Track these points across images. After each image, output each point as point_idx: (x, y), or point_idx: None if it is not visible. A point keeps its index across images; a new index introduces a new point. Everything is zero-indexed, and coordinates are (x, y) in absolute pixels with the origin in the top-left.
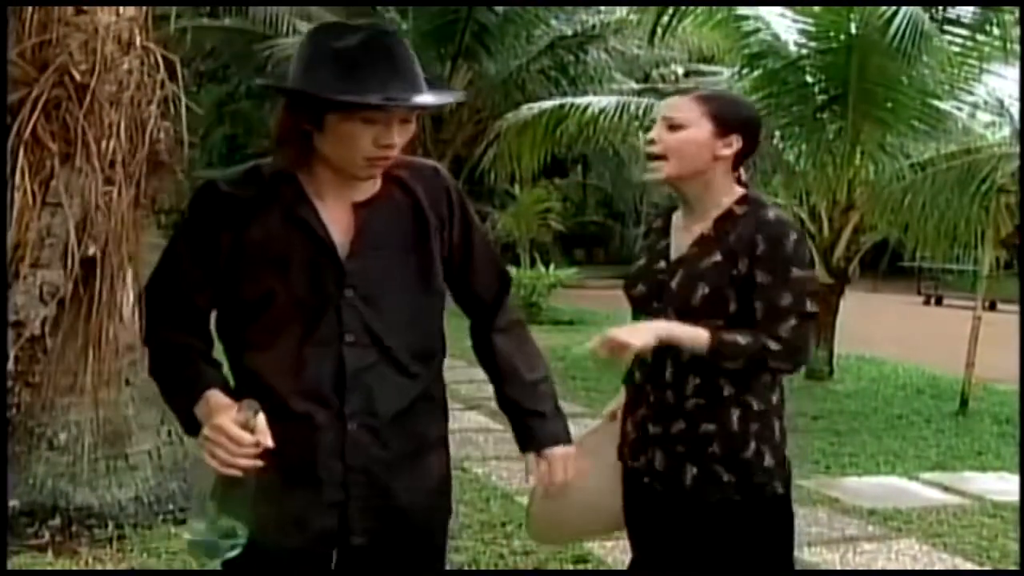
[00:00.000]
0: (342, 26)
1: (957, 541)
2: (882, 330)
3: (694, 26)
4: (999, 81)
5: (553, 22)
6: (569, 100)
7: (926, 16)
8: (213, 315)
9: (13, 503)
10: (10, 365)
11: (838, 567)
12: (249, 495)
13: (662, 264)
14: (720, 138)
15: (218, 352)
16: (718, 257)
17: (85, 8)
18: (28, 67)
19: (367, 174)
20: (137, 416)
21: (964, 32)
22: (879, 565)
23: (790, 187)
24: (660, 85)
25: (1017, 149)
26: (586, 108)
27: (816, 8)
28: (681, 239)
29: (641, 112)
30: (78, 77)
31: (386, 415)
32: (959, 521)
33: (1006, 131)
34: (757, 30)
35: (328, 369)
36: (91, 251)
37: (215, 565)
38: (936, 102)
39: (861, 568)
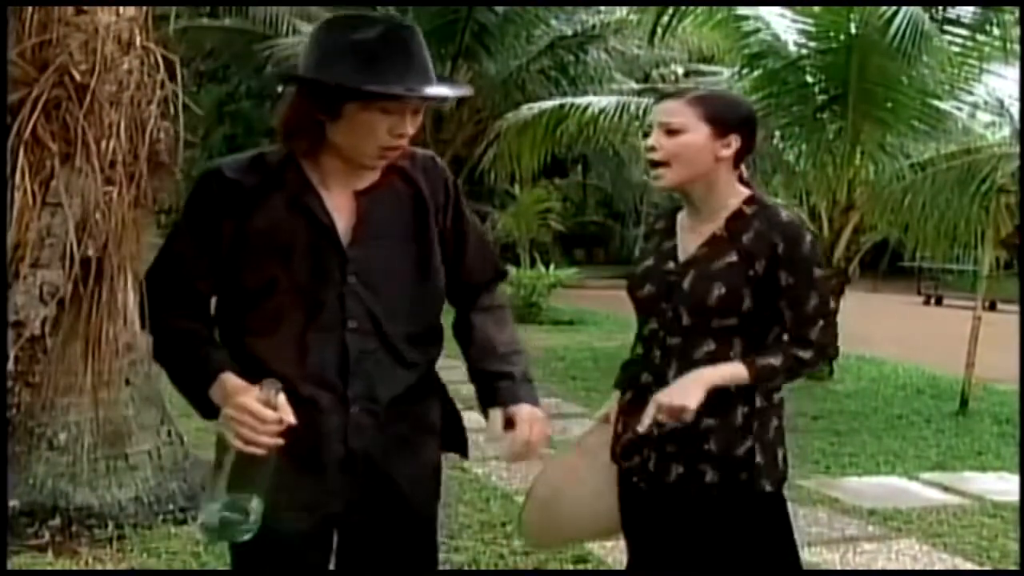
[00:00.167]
0: (357, 18)
1: (957, 541)
2: (882, 330)
3: (694, 26)
4: (999, 81)
5: (553, 22)
6: (569, 100)
7: (926, 16)
8: (212, 301)
9: (13, 503)
10: (10, 365)
11: (838, 567)
12: (268, 474)
13: (671, 265)
14: (719, 139)
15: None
16: (733, 257)
17: (85, 8)
18: (28, 67)
19: (377, 163)
20: (137, 416)
21: (964, 32)
22: (879, 565)
23: (790, 187)
24: (660, 85)
25: (1017, 149)
26: (586, 108)
27: (816, 8)
28: (689, 240)
29: (641, 112)
30: (78, 77)
31: (386, 400)
32: (959, 521)
33: (1006, 131)
34: (757, 30)
35: (331, 354)
36: (91, 251)
37: (221, 550)
38: (936, 102)
39: (861, 568)
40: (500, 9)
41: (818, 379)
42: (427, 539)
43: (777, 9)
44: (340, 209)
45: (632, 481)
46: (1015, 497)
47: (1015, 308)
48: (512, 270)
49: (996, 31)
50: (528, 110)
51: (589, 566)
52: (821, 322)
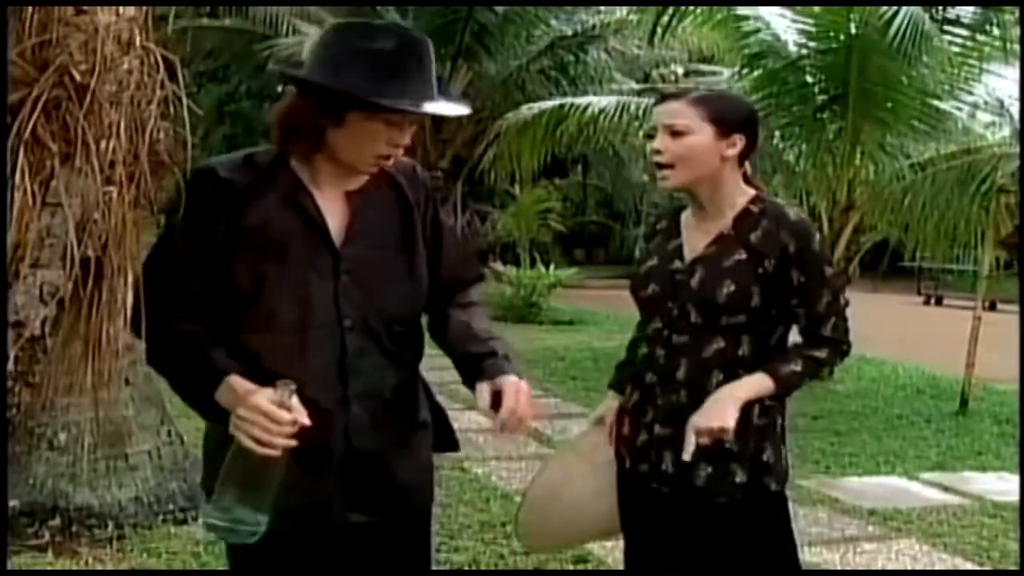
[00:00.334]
0: (369, 26)
1: (957, 541)
2: (882, 330)
3: (694, 26)
4: (999, 81)
5: (553, 22)
6: (569, 100)
7: (926, 16)
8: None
9: (13, 503)
10: (10, 365)
11: (838, 567)
12: (279, 476)
13: (677, 264)
14: (723, 139)
15: None
16: (742, 255)
17: (85, 8)
18: (28, 67)
19: (371, 170)
20: (137, 416)
21: (964, 32)
22: (879, 565)
23: (790, 187)
24: (660, 85)
25: (1017, 149)
26: (586, 108)
27: (816, 8)
28: (695, 239)
29: (641, 112)
30: (78, 77)
31: (383, 398)
32: (959, 521)
33: (1006, 131)
34: (757, 30)
35: (330, 353)
36: (91, 251)
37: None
38: (936, 102)
39: (861, 568)
40: (500, 9)
41: (818, 379)
42: (424, 538)
43: (777, 9)
44: (332, 209)
45: (651, 487)
46: (1015, 497)
47: (1015, 308)
48: (512, 270)
49: (996, 31)
50: (528, 110)
51: (589, 566)
52: (834, 319)
